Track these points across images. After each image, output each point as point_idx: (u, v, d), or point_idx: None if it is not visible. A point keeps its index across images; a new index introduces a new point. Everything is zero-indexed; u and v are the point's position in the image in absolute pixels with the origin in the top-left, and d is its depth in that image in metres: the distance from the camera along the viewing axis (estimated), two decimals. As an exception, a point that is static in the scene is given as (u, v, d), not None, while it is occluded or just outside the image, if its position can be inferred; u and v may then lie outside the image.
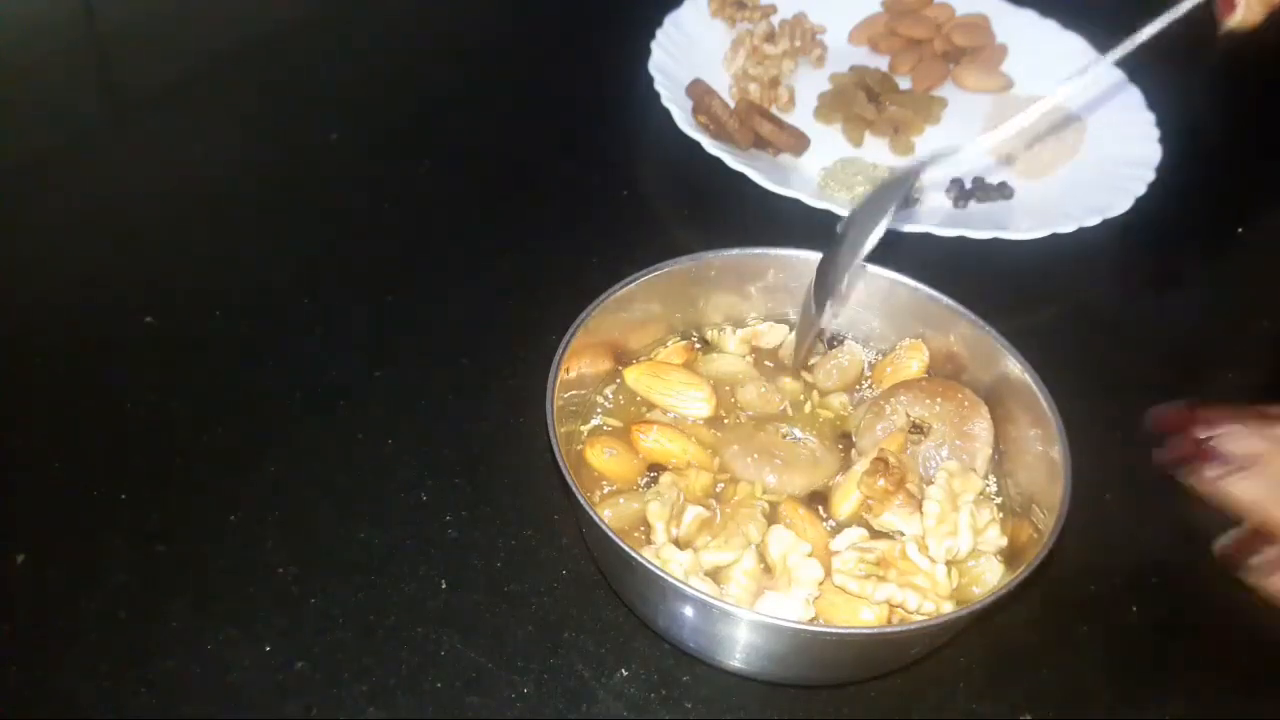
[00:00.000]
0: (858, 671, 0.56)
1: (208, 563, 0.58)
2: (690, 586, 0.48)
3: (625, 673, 0.56)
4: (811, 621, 0.51)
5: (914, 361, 0.64)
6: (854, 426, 0.61)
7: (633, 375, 0.62)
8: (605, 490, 0.57)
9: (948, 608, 0.52)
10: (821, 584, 0.53)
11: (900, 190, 0.57)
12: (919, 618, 0.51)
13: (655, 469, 0.58)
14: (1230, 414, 0.65)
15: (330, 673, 0.54)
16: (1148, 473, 0.69)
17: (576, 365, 0.59)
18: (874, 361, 0.66)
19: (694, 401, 0.61)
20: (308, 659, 0.55)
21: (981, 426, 0.59)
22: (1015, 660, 0.59)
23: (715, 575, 0.53)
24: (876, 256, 0.63)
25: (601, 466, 0.58)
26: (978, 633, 0.58)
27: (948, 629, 0.52)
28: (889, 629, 0.51)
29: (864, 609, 0.52)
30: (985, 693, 0.57)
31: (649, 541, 0.54)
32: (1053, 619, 0.60)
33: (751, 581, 0.53)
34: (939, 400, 0.60)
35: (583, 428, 0.60)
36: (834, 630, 0.51)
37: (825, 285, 0.60)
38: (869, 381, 0.65)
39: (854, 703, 0.56)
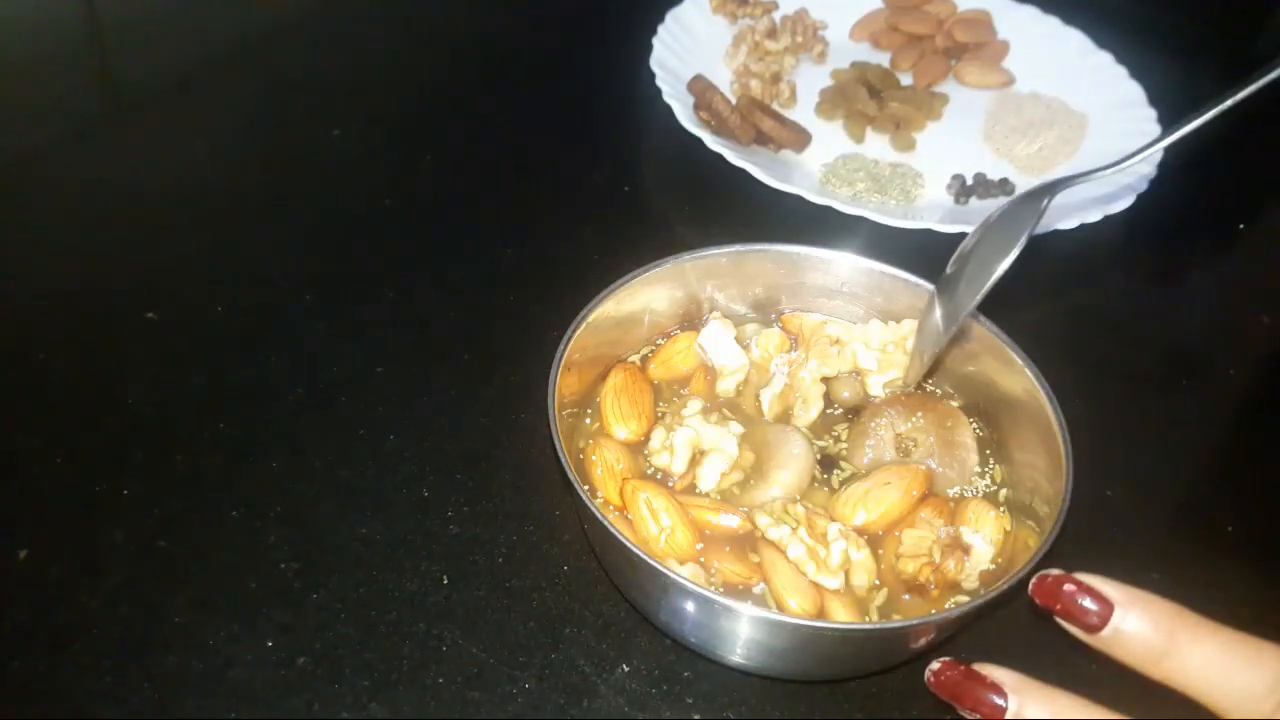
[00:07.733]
0: (859, 667, 0.56)
1: (209, 558, 0.58)
2: (691, 583, 0.48)
3: (627, 668, 0.56)
4: (809, 617, 0.51)
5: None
6: (837, 451, 0.60)
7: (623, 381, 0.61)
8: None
9: (833, 583, 0.52)
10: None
11: (1034, 215, 0.54)
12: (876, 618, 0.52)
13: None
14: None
15: (332, 668, 0.55)
16: (1149, 471, 0.69)
17: (577, 361, 0.59)
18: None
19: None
20: (309, 655, 0.55)
21: (964, 434, 0.59)
22: (1015, 660, 0.58)
23: (698, 459, 0.57)
24: (876, 255, 0.64)
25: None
26: (978, 632, 0.58)
27: (949, 626, 0.52)
28: (891, 625, 0.51)
29: (833, 602, 0.52)
30: (986, 689, 0.57)
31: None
32: (1053, 618, 0.60)
33: (733, 470, 0.57)
34: (919, 414, 0.60)
35: (586, 416, 0.60)
36: (835, 626, 0.51)
37: (950, 309, 0.56)
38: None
39: (855, 699, 0.56)
